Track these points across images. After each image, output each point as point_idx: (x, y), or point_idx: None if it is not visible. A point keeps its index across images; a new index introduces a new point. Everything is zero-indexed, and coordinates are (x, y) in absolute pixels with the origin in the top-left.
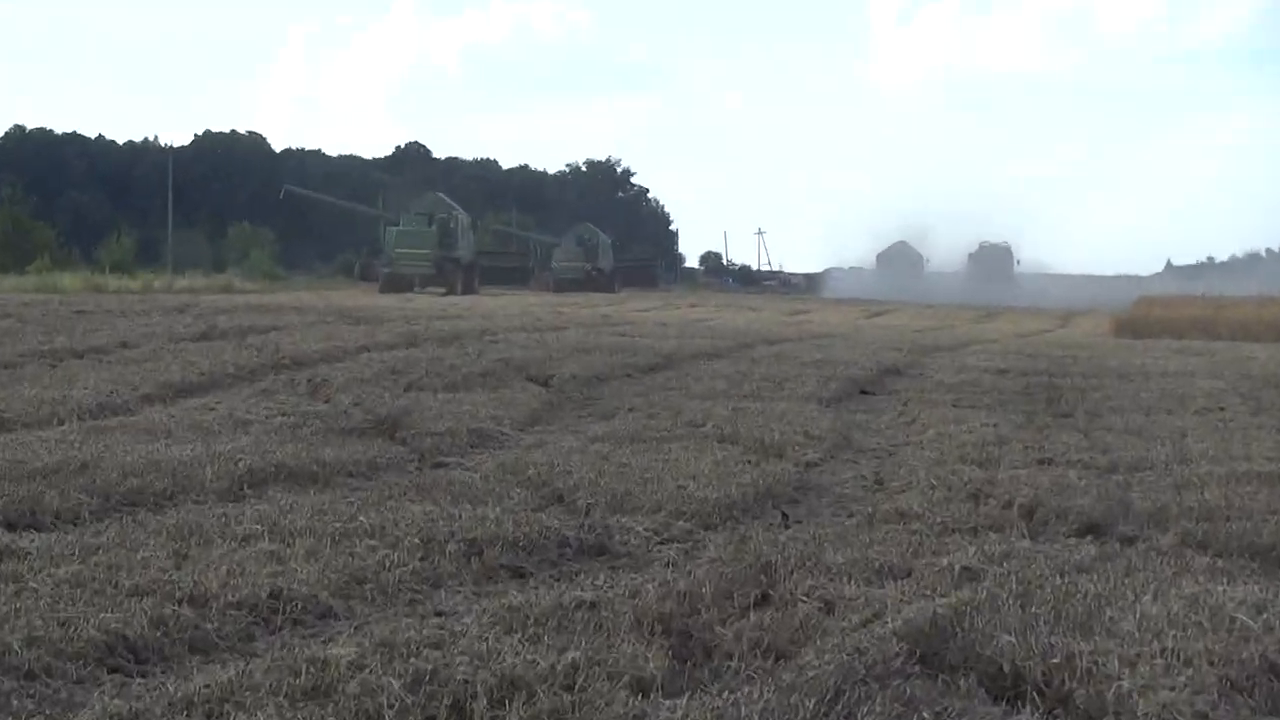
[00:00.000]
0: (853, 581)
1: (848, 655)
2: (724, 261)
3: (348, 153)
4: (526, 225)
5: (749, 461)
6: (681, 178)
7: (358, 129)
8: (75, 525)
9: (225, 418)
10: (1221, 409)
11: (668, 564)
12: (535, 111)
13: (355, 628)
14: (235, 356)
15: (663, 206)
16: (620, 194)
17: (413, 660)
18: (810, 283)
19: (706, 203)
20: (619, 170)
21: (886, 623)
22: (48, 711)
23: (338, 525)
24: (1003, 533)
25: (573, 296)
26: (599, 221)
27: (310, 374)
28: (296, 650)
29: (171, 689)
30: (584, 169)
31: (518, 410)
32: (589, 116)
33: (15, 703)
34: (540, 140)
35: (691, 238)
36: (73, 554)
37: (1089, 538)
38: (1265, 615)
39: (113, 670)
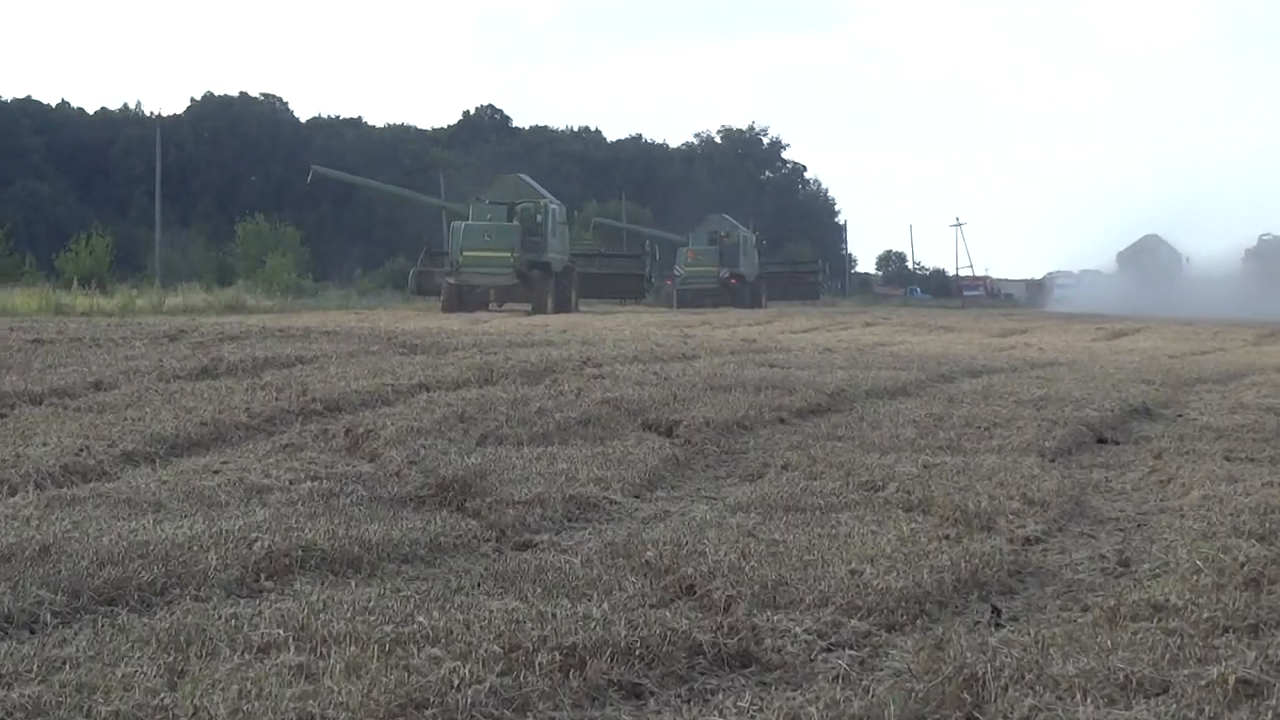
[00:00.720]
0: (1089, 700)
1: None
2: (909, 265)
3: (398, 122)
4: (641, 218)
5: (946, 537)
6: (851, 153)
7: (412, 90)
8: (33, 631)
9: (235, 483)
10: None
11: (837, 678)
12: (651, 63)
13: None
14: (248, 400)
15: (826, 191)
16: (768, 174)
17: None
18: (1028, 292)
19: (885, 187)
20: (766, 142)
21: None
22: None
23: (388, 629)
24: None
25: (704, 314)
26: (739, 212)
27: (349, 423)
28: None
29: None
30: (718, 140)
31: (631, 469)
32: (726, 69)
33: None
34: (659, 102)
35: (865, 233)
36: (30, 670)
37: None
38: None
39: None
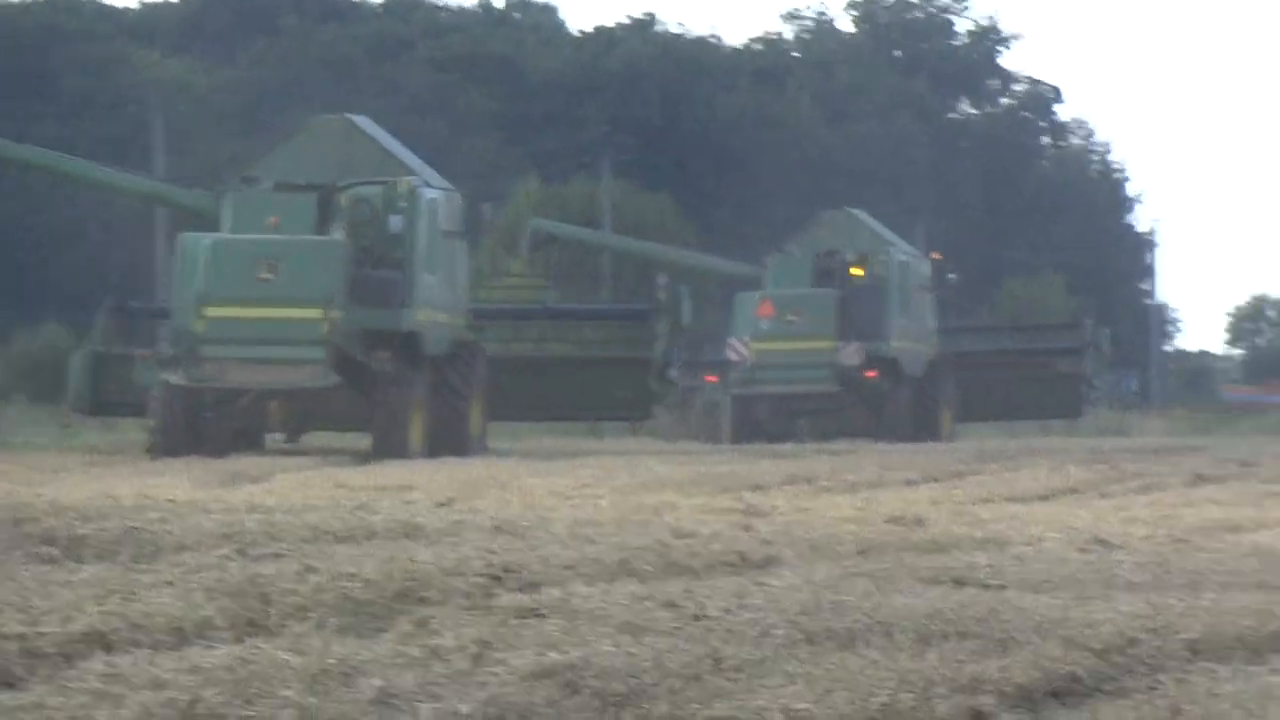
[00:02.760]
0: None
1: None
2: None
3: None
4: (647, 220)
5: None
6: (1157, 86)
7: None
8: None
9: None
10: None
11: None
12: None
13: None
14: None
15: (1105, 153)
16: (968, 109)
17: None
18: None
19: (1238, 161)
20: (961, 31)
21: None
22: None
23: None
24: None
25: (800, 456)
26: (891, 201)
27: None
28: None
29: None
30: (842, 27)
31: None
32: None
33: None
34: None
35: (1196, 260)
36: None
37: None
38: None
39: None
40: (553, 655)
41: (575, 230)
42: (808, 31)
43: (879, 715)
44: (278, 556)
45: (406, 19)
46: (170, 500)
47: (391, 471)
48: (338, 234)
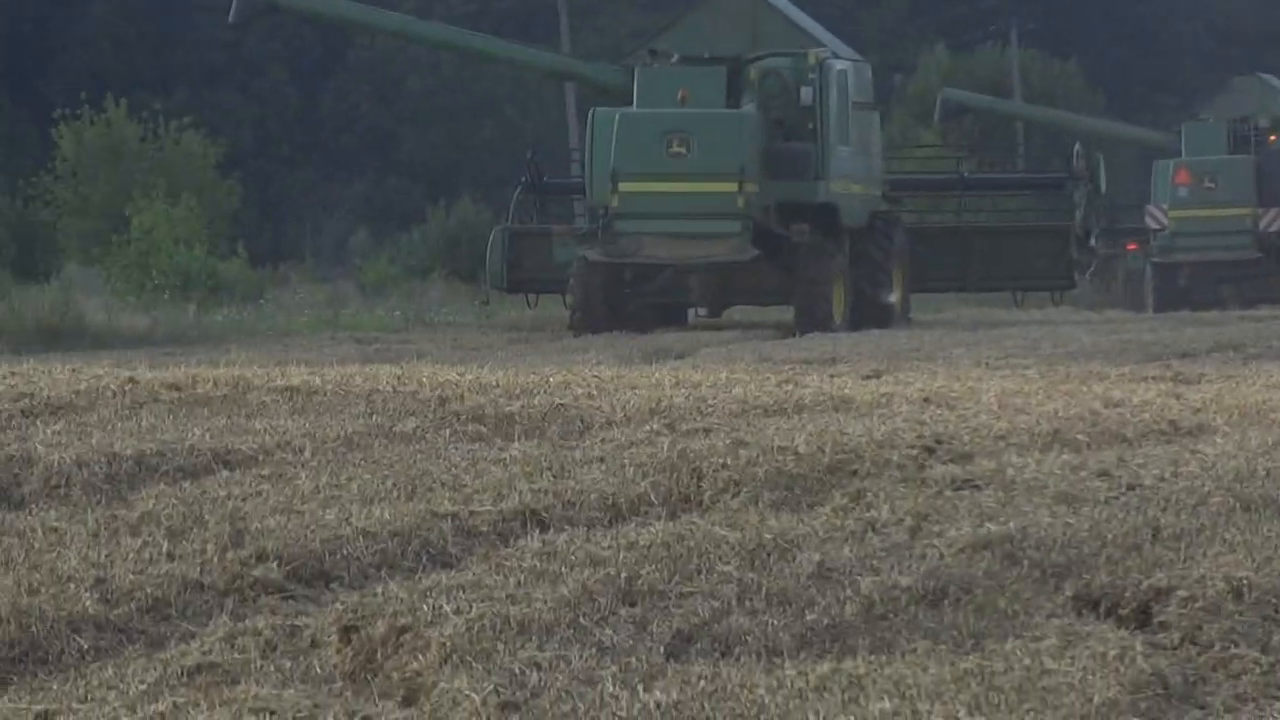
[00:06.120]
0: None
1: None
2: None
3: None
4: (1053, 88)
5: None
6: None
7: None
8: None
9: None
10: None
11: None
12: None
13: None
14: (100, 558)
15: None
16: None
17: None
18: None
19: None
20: None
21: None
22: None
23: None
24: None
25: (1224, 324)
26: None
27: (351, 610)
28: None
29: None
30: None
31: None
32: None
33: None
34: None
35: None
36: None
37: None
38: None
39: None
40: (990, 527)
41: (987, 100)
42: None
43: None
44: (707, 431)
45: None
46: (595, 376)
47: (815, 344)
48: (749, 107)
